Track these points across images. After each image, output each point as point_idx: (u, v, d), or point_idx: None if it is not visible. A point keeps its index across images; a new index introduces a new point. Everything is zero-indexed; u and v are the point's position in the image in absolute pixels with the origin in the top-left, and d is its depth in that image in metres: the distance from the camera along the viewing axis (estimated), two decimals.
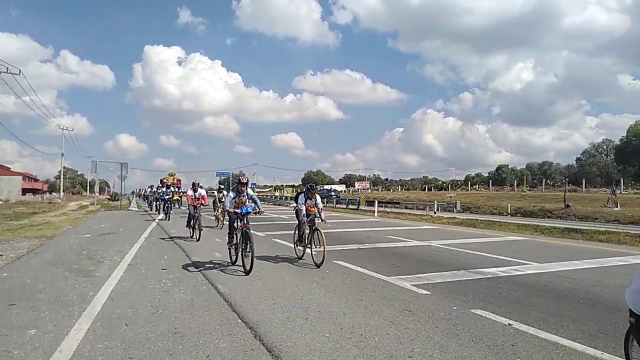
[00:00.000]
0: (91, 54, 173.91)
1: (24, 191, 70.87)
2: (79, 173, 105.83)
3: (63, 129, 56.43)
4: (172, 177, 48.46)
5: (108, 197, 63.75)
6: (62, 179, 62.27)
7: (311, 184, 9.25)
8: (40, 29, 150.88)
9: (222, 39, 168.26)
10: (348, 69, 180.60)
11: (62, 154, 56.94)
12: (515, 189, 54.30)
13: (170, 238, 12.47)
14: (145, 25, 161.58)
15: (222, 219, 15.50)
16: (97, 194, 44.19)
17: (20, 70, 38.55)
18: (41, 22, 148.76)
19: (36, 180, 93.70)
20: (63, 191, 60.53)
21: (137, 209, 31.53)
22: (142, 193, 46.66)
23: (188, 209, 13.36)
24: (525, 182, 63.73)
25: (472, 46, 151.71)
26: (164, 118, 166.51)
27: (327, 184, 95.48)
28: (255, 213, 7.95)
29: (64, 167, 63.78)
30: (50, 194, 68.06)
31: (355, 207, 34.66)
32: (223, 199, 11.37)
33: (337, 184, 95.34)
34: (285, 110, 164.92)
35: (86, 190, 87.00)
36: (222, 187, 27.59)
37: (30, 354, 3.67)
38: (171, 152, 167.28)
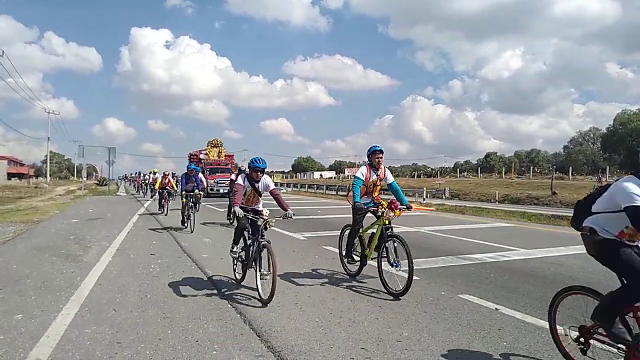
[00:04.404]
0: (77, 35, 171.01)
1: (10, 176, 69.96)
2: (65, 157, 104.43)
3: (49, 113, 55.28)
4: (216, 150, 29.80)
5: (96, 182, 63.04)
6: (48, 164, 61.28)
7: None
8: (23, 9, 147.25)
9: (210, 22, 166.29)
10: (338, 54, 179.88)
11: (49, 138, 55.82)
12: (503, 176, 54.75)
13: (159, 223, 12.39)
14: (132, 7, 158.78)
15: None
16: (85, 178, 43.57)
17: (3, 51, 37.68)
18: (25, 2, 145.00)
19: (22, 164, 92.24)
20: (50, 176, 59.67)
21: (125, 194, 31.24)
22: (143, 181, 28.43)
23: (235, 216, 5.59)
24: (513, 170, 64.33)
25: (462, 33, 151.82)
26: (152, 102, 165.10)
27: (317, 170, 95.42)
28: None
29: (51, 152, 62.71)
30: (37, 178, 67.11)
31: (345, 193, 34.70)
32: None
33: (327, 171, 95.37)
34: (276, 95, 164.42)
35: (73, 175, 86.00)
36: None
37: (17, 339, 3.63)
38: (160, 137, 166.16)
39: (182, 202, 11.15)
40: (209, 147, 29.90)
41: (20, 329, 3.87)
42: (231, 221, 11.64)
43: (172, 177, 16.37)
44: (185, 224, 11.04)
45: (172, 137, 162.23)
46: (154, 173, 23.58)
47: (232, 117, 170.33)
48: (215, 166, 28.18)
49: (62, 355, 3.36)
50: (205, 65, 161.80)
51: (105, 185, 42.03)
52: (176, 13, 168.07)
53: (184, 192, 11.19)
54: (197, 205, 11.52)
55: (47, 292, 5.08)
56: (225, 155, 30.21)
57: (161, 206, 15.13)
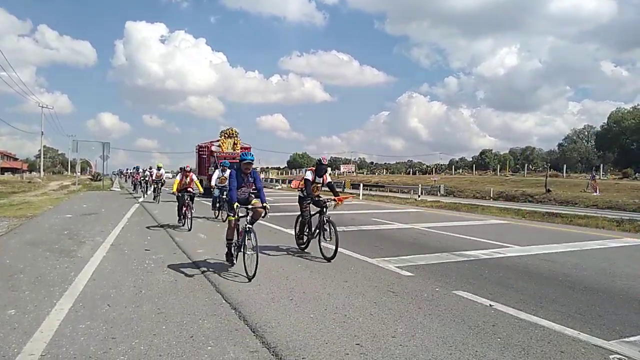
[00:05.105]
0: (71, 29, 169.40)
1: (3, 170, 69.37)
2: (59, 152, 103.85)
3: (42, 107, 54.81)
4: (230, 141, 25.04)
5: (90, 177, 62.72)
6: (42, 158, 60.80)
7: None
8: (16, 2, 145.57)
9: (206, 17, 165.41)
10: (334, 50, 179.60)
11: (42, 133, 55.36)
12: (498, 173, 54.99)
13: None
14: (126, 0, 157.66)
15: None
16: (79, 173, 43.31)
17: None
18: None
19: (15, 159, 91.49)
20: (43, 171, 59.19)
21: (119, 190, 31.10)
22: (143, 178, 24.48)
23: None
24: (507, 167, 64.66)
25: (458, 29, 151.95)
26: (147, 97, 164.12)
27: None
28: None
29: (44, 146, 62.16)
30: (30, 173, 66.69)
31: (340, 190, 34.78)
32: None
33: None
34: (271, 91, 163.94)
35: (67, 170, 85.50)
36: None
37: (10, 334, 3.61)
38: (155, 132, 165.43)
39: (231, 222, 6.23)
40: (223, 137, 25.13)
41: (14, 324, 3.85)
42: (305, 247, 7.73)
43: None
44: (235, 259, 6.27)
45: (168, 133, 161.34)
46: (158, 168, 20.24)
47: (227, 113, 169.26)
48: (231, 160, 23.77)
49: (55, 350, 3.34)
50: (200, 60, 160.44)
51: (100, 180, 41.82)
52: (171, 7, 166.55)
53: (236, 205, 5.91)
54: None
55: (41, 287, 5.05)
56: (241, 147, 25.03)
57: (182, 216, 10.64)
